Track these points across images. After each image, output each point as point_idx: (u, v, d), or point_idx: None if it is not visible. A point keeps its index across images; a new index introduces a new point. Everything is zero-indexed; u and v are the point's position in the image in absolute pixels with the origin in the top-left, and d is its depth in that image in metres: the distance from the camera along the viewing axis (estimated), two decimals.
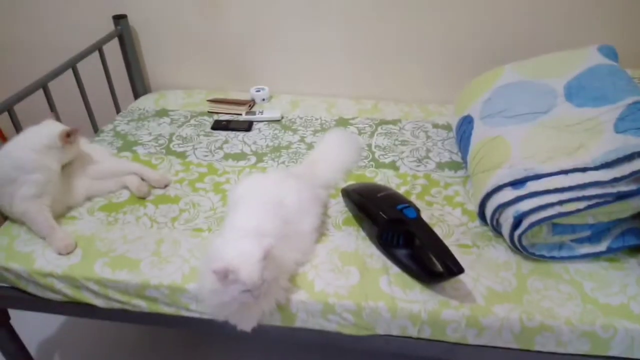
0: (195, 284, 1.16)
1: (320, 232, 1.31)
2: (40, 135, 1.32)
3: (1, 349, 1.41)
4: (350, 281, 1.17)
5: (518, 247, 1.19)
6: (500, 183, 1.22)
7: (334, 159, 1.55)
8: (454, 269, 1.06)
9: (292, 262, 1.18)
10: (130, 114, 1.93)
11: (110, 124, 1.86)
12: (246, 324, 1.13)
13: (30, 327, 1.43)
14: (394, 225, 1.19)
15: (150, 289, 1.19)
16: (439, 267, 1.09)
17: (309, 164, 1.54)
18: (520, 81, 1.45)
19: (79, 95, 1.78)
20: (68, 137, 1.34)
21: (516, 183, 1.20)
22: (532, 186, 1.17)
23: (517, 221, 1.16)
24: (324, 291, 1.14)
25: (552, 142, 1.23)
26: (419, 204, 1.42)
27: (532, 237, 1.18)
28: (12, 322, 1.41)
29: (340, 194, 1.44)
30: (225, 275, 1.00)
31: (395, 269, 1.20)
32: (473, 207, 1.39)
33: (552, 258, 1.19)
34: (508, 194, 1.20)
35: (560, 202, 1.13)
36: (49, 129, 1.34)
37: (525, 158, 1.23)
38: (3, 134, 2.22)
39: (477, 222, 1.34)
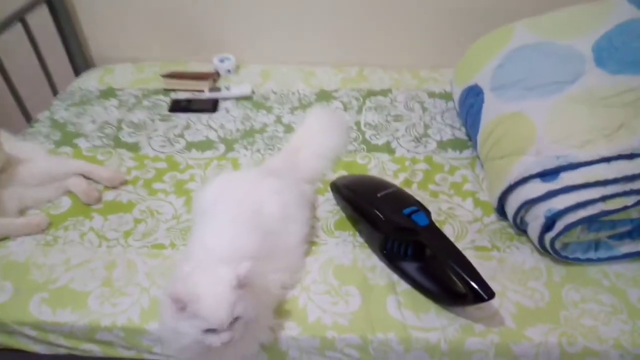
0: (157, 321, 0.92)
1: (310, 240, 1.08)
2: None
3: None
4: (351, 306, 0.95)
5: (549, 251, 0.99)
6: (527, 174, 1.01)
7: (317, 145, 1.30)
8: (482, 293, 0.85)
9: (277, 288, 0.96)
10: (71, 97, 1.61)
11: (47, 111, 1.54)
12: None
13: None
14: (401, 234, 0.97)
15: (102, 331, 0.95)
16: (461, 287, 0.88)
17: (288, 152, 1.29)
18: (537, 43, 1.21)
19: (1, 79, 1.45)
20: None
21: (546, 174, 0.99)
22: (566, 178, 0.96)
23: (550, 222, 0.96)
24: (320, 322, 0.93)
25: (586, 121, 1.01)
26: (421, 195, 1.20)
27: (565, 237, 0.98)
28: None
29: (329, 189, 1.20)
30: (182, 305, 0.76)
31: (403, 285, 0.99)
32: (487, 197, 1.18)
33: (588, 260, 1.00)
34: (537, 188, 0.99)
35: (603, 198, 0.92)
36: None
37: (555, 142, 1.01)
38: None
39: (494, 216, 1.14)
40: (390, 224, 0.97)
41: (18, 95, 1.50)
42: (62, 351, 0.99)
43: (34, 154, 1.26)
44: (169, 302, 0.77)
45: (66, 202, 1.21)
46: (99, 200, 1.21)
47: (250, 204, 1.01)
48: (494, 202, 1.10)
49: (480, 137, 1.21)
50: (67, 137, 1.42)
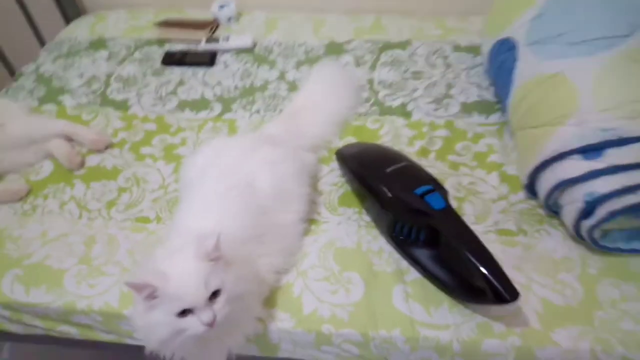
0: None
1: (309, 218, 0.96)
2: None
3: None
4: (353, 296, 0.84)
5: (586, 239, 0.85)
6: (565, 149, 0.85)
7: (323, 107, 1.15)
8: (504, 293, 0.72)
9: (270, 272, 0.85)
10: (58, 48, 1.47)
11: (33, 63, 1.42)
12: None
13: None
14: (412, 218, 0.84)
15: (78, 314, 0.87)
16: (480, 282, 0.76)
17: (290, 116, 1.14)
18: None
19: None
20: None
21: (589, 150, 0.83)
22: (613, 156, 0.80)
23: (590, 207, 0.81)
24: (316, 314, 0.82)
25: None
26: (439, 166, 1.06)
27: (605, 225, 0.84)
28: None
29: (334, 158, 1.06)
30: (150, 291, 0.66)
31: (413, 273, 0.87)
32: (516, 171, 1.03)
33: (632, 251, 0.86)
34: (577, 166, 0.83)
35: None
36: None
37: (602, 111, 0.84)
38: None
39: (522, 194, 0.99)
40: (399, 204, 0.83)
41: None
42: (38, 332, 0.92)
43: (13, 114, 1.16)
44: (135, 293, 0.67)
45: (47, 167, 1.11)
46: (82, 165, 1.11)
47: (242, 177, 0.89)
48: (524, 178, 0.95)
49: (511, 101, 1.04)
50: (51, 93, 1.30)
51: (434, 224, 0.81)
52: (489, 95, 1.23)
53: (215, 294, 0.69)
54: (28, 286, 0.89)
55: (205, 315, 0.67)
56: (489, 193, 1.00)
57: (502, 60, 1.11)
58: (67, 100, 1.27)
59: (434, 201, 0.82)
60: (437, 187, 0.84)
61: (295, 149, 1.02)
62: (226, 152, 0.96)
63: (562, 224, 0.91)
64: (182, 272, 0.68)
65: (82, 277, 0.89)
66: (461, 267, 0.78)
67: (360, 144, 1.08)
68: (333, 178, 1.05)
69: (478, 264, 0.75)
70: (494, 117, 1.17)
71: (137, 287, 0.66)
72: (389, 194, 0.85)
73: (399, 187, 0.85)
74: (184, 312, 0.67)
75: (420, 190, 0.83)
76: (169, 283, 0.67)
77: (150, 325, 0.69)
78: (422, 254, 0.85)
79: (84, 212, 1.01)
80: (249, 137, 1.09)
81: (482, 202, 0.98)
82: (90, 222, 0.99)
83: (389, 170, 0.88)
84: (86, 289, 0.88)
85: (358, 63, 1.35)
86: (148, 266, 0.73)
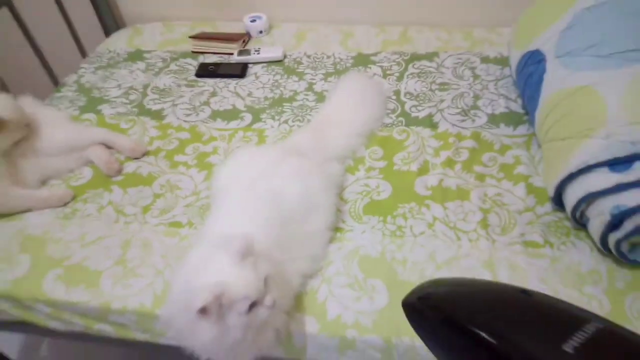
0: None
1: (334, 226, 0.98)
2: None
3: None
4: (377, 303, 0.86)
5: (613, 252, 0.84)
6: (592, 162, 0.85)
7: (350, 118, 1.17)
8: None
9: (296, 276, 0.88)
10: (99, 59, 1.55)
11: (74, 74, 1.49)
12: None
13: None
14: None
15: (113, 314, 0.91)
16: None
17: (317, 125, 1.17)
18: None
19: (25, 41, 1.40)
20: None
21: (617, 162, 0.82)
22: None
23: (617, 220, 0.80)
24: (341, 320, 0.84)
25: None
26: (465, 177, 1.06)
27: (634, 238, 0.83)
28: None
29: (359, 168, 1.08)
30: (215, 309, 0.69)
31: None
32: (543, 183, 1.02)
33: None
34: (604, 178, 0.83)
35: None
36: None
37: (630, 124, 0.84)
38: None
39: (549, 205, 0.99)
40: None
41: (44, 58, 1.46)
42: (77, 329, 0.97)
43: (57, 122, 1.23)
44: (204, 317, 0.70)
45: (87, 173, 1.17)
46: (119, 171, 1.16)
47: (270, 187, 0.92)
48: (551, 190, 0.95)
49: (539, 113, 1.05)
50: (91, 103, 1.37)
51: None
52: (517, 107, 1.23)
53: (265, 279, 0.73)
54: (68, 285, 0.94)
55: (268, 299, 0.72)
56: (515, 205, 1.00)
57: (530, 72, 1.11)
58: (106, 110, 1.34)
59: None
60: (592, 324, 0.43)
61: (322, 160, 1.05)
62: (256, 162, 1.00)
63: (589, 236, 0.91)
64: (238, 276, 0.71)
65: (117, 278, 0.94)
66: None
67: (446, 282, 0.58)
68: (358, 187, 1.07)
69: None
70: (522, 129, 1.17)
71: (208, 308, 0.68)
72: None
73: (542, 338, 0.42)
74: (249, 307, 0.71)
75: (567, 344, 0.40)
76: (231, 289, 0.70)
77: (223, 334, 0.72)
78: None
79: (121, 216, 1.06)
80: (278, 147, 1.12)
81: (508, 213, 0.99)
82: (126, 226, 1.04)
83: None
84: (121, 290, 0.92)
85: (385, 74, 1.38)
86: (195, 288, 0.74)
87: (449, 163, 1.10)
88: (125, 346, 1.01)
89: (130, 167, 1.17)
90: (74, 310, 0.93)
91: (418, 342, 0.80)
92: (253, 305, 0.72)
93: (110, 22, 1.70)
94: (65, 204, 1.09)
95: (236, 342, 0.74)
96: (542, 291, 0.77)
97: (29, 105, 1.21)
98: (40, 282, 0.94)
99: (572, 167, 0.87)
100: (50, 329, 0.99)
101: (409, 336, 0.81)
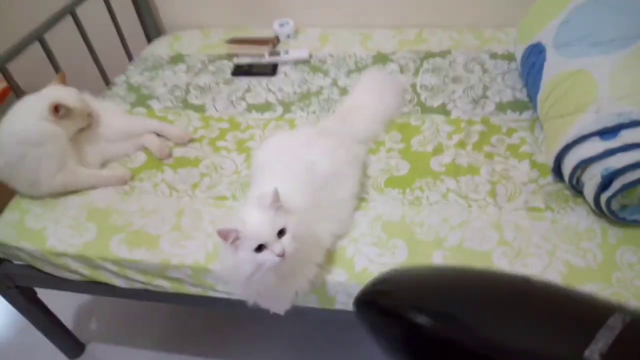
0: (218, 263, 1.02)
1: (359, 197, 1.12)
2: (39, 104, 1.17)
3: (35, 325, 1.36)
4: (397, 257, 0.99)
5: (605, 212, 0.97)
6: (585, 132, 0.97)
7: (372, 107, 1.32)
8: None
9: (327, 234, 1.02)
10: (144, 62, 1.74)
11: (123, 75, 1.68)
12: (279, 307, 1.00)
13: (62, 297, 1.37)
14: None
15: (172, 269, 1.06)
16: None
17: (342, 114, 1.32)
18: None
19: (83, 44, 1.59)
20: (56, 111, 1.17)
21: (606, 132, 0.95)
22: (627, 136, 0.92)
23: (607, 181, 0.93)
24: (367, 270, 0.98)
25: None
26: (475, 156, 1.20)
27: (623, 198, 0.95)
28: (42, 295, 1.35)
29: (380, 149, 1.22)
30: (235, 236, 0.85)
31: (450, 242, 1.01)
32: (544, 159, 1.15)
33: None
34: (595, 146, 0.96)
35: None
36: (47, 98, 1.18)
37: (617, 99, 0.96)
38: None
39: (551, 178, 1.11)
40: None
41: (98, 60, 1.64)
42: (138, 285, 1.13)
43: (115, 114, 1.40)
44: (223, 240, 0.86)
45: (141, 157, 1.33)
46: (170, 155, 1.32)
47: (304, 161, 1.07)
48: (551, 162, 1.08)
49: (540, 97, 1.18)
50: (141, 99, 1.54)
51: None
52: (522, 95, 1.36)
53: (281, 233, 0.87)
54: (131, 247, 1.09)
55: (276, 247, 0.85)
56: (520, 177, 1.13)
57: (532, 62, 1.25)
58: (155, 104, 1.51)
59: None
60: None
61: (348, 141, 1.19)
62: (291, 142, 1.15)
63: (586, 202, 1.03)
64: (254, 218, 0.86)
65: (174, 240, 1.09)
66: None
67: (420, 274, 0.54)
68: (380, 165, 1.21)
69: None
70: (527, 114, 1.30)
71: (226, 233, 0.85)
72: None
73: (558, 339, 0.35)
74: (259, 248, 0.85)
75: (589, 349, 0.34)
76: (246, 226, 0.85)
77: (236, 264, 0.87)
78: None
79: (173, 191, 1.22)
80: (309, 129, 1.27)
81: (514, 184, 1.12)
82: (179, 200, 1.19)
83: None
84: (178, 249, 1.07)
85: (402, 70, 1.52)
86: (227, 220, 0.91)
87: (461, 144, 1.24)
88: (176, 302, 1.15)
89: (178, 152, 1.33)
90: (137, 268, 1.09)
91: None
92: (263, 247, 0.85)
93: (152, 30, 1.89)
94: (125, 183, 1.25)
95: (247, 277, 0.87)
96: (544, 246, 0.91)
97: (88, 100, 1.39)
98: (107, 245, 1.10)
99: (568, 138, 1.00)
100: (115, 286, 1.14)
101: None
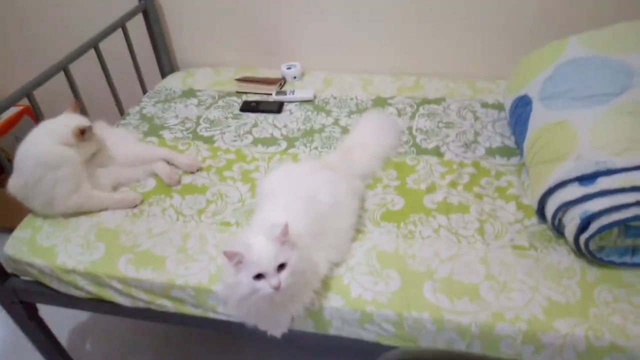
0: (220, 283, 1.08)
1: (357, 228, 1.19)
2: (58, 129, 1.26)
3: (32, 341, 1.39)
4: (391, 287, 1.06)
5: (584, 252, 1.04)
6: (565, 178, 1.06)
7: (371, 145, 1.41)
8: None
9: (325, 262, 1.08)
10: (157, 95, 1.84)
11: (137, 106, 1.78)
12: (275, 329, 1.05)
13: (60, 317, 1.41)
14: None
15: (176, 289, 1.12)
16: None
17: (343, 150, 1.41)
18: (590, 57, 1.26)
19: (102, 75, 1.69)
20: (82, 134, 1.26)
21: (584, 178, 1.04)
22: (603, 183, 1.01)
23: (585, 223, 1.01)
24: (361, 298, 1.04)
25: (628, 131, 1.05)
26: (466, 195, 1.28)
27: (600, 240, 1.03)
28: (41, 312, 1.39)
29: (377, 185, 1.30)
30: (239, 259, 0.92)
31: (441, 274, 1.08)
32: (530, 201, 1.24)
33: (624, 264, 1.04)
34: (574, 191, 1.05)
35: (638, 203, 0.96)
36: (64, 124, 1.26)
37: (595, 149, 1.06)
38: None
39: (535, 219, 1.19)
40: None
41: (115, 90, 1.74)
42: (141, 304, 1.17)
43: (128, 140, 1.49)
44: (227, 260, 0.92)
45: (151, 183, 1.40)
46: (178, 182, 1.39)
47: (307, 191, 1.15)
48: (535, 204, 1.16)
49: (526, 144, 1.28)
50: (153, 129, 1.63)
51: None
52: (510, 142, 1.46)
53: (282, 267, 0.93)
54: (138, 267, 1.15)
55: (273, 280, 0.91)
56: (507, 217, 1.21)
57: (520, 113, 1.35)
58: (166, 134, 1.60)
59: None
60: None
61: (348, 175, 1.28)
62: (294, 173, 1.24)
63: (567, 242, 1.11)
64: (260, 247, 0.93)
65: (180, 262, 1.15)
66: None
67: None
68: (376, 200, 1.29)
69: None
70: (514, 160, 1.39)
71: (231, 254, 0.92)
72: None
73: None
74: (258, 276, 0.92)
75: None
76: (251, 252, 0.92)
77: (234, 284, 0.94)
78: None
79: (180, 216, 1.28)
80: (312, 162, 1.36)
81: (501, 224, 1.19)
82: (185, 224, 1.26)
83: None
84: (183, 270, 1.13)
85: (400, 114, 1.63)
86: (236, 242, 0.98)
87: (453, 184, 1.32)
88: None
89: (187, 179, 1.41)
90: (142, 287, 1.14)
91: (424, 316, 1.00)
92: (261, 276, 0.92)
93: (167, 65, 2.00)
94: (135, 206, 1.32)
95: (243, 298, 0.93)
96: (527, 282, 0.98)
97: (104, 127, 1.48)
98: (115, 263, 1.16)
99: (551, 183, 1.09)
100: (118, 304, 1.19)
101: (416, 311, 1.00)
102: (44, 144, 1.25)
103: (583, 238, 1.02)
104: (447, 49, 1.82)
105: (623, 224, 0.97)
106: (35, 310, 1.37)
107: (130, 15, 1.77)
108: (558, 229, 1.12)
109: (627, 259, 1.04)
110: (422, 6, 1.73)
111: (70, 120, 1.28)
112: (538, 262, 1.09)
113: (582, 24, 1.44)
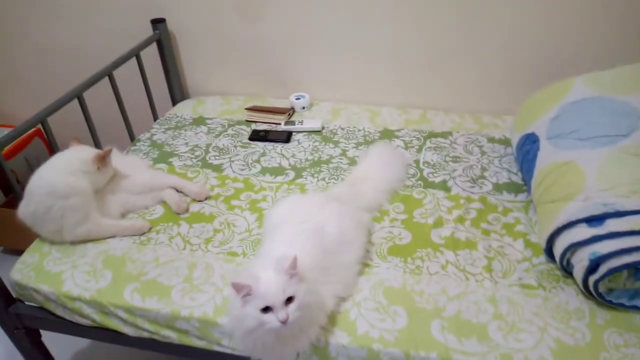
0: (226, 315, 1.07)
1: (364, 262, 1.19)
2: (71, 160, 1.28)
3: None
4: (398, 324, 1.05)
5: (593, 294, 1.04)
6: (573, 219, 1.07)
7: (378, 178, 1.42)
8: None
9: (331, 296, 1.08)
10: (168, 122, 1.87)
11: (147, 132, 1.80)
12: None
13: (61, 342, 1.39)
14: None
15: (181, 320, 1.11)
16: None
17: (351, 182, 1.42)
18: (595, 97, 1.28)
19: (115, 102, 1.72)
20: (103, 159, 1.29)
21: (593, 219, 1.04)
22: (612, 225, 1.01)
23: (594, 265, 1.01)
24: (368, 335, 1.03)
25: (636, 173, 1.06)
26: (473, 231, 1.28)
27: (609, 282, 1.03)
28: (44, 338, 1.37)
29: (384, 218, 1.31)
30: (247, 291, 0.91)
31: (449, 312, 1.07)
32: (537, 239, 1.23)
33: (634, 307, 1.03)
34: (583, 232, 1.05)
35: None
36: (80, 154, 1.29)
37: (603, 190, 1.07)
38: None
39: (543, 257, 1.19)
40: None
41: (127, 117, 1.77)
42: (145, 335, 1.16)
43: (138, 167, 1.50)
44: (235, 292, 0.92)
45: (160, 210, 1.41)
46: (187, 210, 1.40)
47: (314, 224, 1.15)
48: (543, 243, 1.16)
49: (534, 182, 1.28)
50: (163, 156, 1.65)
51: None
52: (517, 178, 1.47)
53: (290, 300, 0.93)
54: (144, 296, 1.15)
55: (281, 314, 0.91)
56: (514, 255, 1.21)
57: (527, 150, 1.36)
58: (176, 162, 1.62)
59: None
60: None
61: (355, 208, 1.28)
62: (301, 205, 1.24)
63: (576, 282, 1.10)
64: (268, 279, 0.93)
65: (185, 292, 1.15)
66: None
67: None
68: (383, 233, 1.29)
69: None
70: (521, 196, 1.40)
71: (239, 287, 0.91)
72: None
73: None
74: (266, 309, 0.91)
75: None
76: (259, 285, 0.92)
77: (241, 316, 0.93)
78: None
79: (187, 245, 1.28)
80: (320, 195, 1.36)
81: (509, 261, 1.19)
82: (193, 253, 1.26)
83: None
84: (189, 301, 1.12)
85: (407, 147, 1.65)
86: (243, 274, 0.98)
87: (460, 220, 1.32)
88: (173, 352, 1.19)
89: (195, 207, 1.41)
90: (147, 317, 1.13)
91: (432, 356, 0.99)
92: (269, 309, 0.91)
93: (178, 94, 2.04)
94: (143, 234, 1.32)
95: (249, 331, 0.93)
96: (535, 322, 0.97)
97: (115, 153, 1.49)
98: (121, 292, 1.16)
99: (559, 223, 1.09)
100: (122, 333, 1.18)
101: (424, 351, 0.99)
102: (55, 175, 1.27)
103: (592, 279, 1.01)
104: (453, 84, 1.85)
105: (633, 266, 0.97)
106: (39, 336, 1.36)
107: (145, 44, 1.81)
108: (566, 269, 1.11)
109: (637, 302, 1.03)
110: (429, 43, 1.77)
111: (81, 152, 1.30)
112: (546, 302, 1.08)
113: (586, 64, 1.48)
